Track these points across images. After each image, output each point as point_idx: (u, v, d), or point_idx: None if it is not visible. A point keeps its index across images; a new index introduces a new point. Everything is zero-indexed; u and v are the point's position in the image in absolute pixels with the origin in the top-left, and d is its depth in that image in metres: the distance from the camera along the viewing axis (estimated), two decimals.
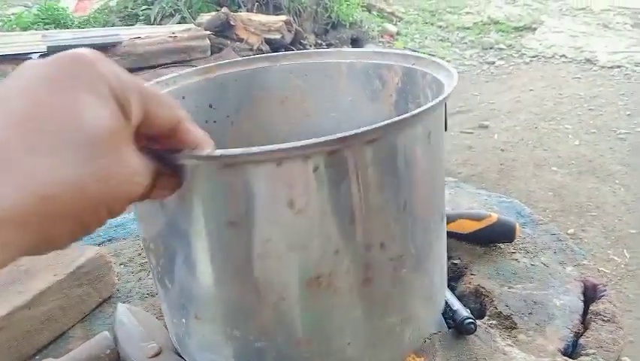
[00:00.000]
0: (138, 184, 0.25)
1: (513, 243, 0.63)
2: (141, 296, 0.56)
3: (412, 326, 0.41)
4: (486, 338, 0.49)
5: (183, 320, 0.41)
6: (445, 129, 0.42)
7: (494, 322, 0.52)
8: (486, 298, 0.55)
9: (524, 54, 3.91)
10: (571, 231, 1.81)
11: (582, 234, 1.81)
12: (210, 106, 0.51)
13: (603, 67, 3.53)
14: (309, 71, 0.53)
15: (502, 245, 0.63)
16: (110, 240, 0.67)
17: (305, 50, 0.55)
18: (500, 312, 0.53)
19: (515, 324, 0.51)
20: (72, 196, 0.21)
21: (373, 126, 0.31)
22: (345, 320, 0.37)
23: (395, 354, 0.42)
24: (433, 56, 0.46)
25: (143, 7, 3.61)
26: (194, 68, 0.51)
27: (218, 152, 0.29)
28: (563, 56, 3.79)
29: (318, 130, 0.52)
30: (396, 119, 0.32)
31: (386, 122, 0.31)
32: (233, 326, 0.38)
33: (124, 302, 0.53)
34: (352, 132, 0.30)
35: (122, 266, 0.61)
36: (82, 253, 0.53)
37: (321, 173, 0.31)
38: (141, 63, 2.47)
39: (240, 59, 0.53)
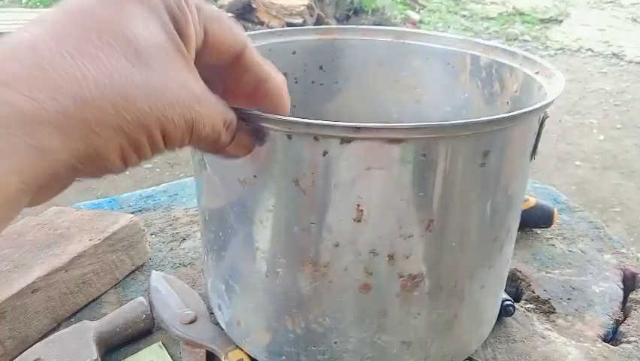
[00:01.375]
0: (200, 114, 0.23)
1: (550, 228, 0.61)
2: (173, 265, 0.56)
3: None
4: (524, 321, 0.48)
5: (223, 290, 0.40)
6: (532, 158, 0.35)
7: (531, 306, 0.51)
8: (522, 283, 0.54)
9: (549, 47, 3.83)
10: None
11: None
12: (321, 68, 0.49)
13: (631, 62, 3.45)
14: (432, 56, 0.48)
15: (538, 230, 0.61)
16: (140, 210, 0.67)
17: (434, 32, 0.50)
18: (538, 296, 0.51)
19: (554, 309, 0.50)
20: (115, 103, 0.20)
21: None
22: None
23: None
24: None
25: None
26: (314, 27, 0.48)
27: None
28: (590, 49, 3.70)
29: (426, 119, 0.49)
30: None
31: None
32: (253, 295, 0.38)
33: (156, 271, 0.52)
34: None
35: (153, 236, 0.61)
36: (116, 219, 0.53)
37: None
38: None
39: (364, 27, 0.50)
